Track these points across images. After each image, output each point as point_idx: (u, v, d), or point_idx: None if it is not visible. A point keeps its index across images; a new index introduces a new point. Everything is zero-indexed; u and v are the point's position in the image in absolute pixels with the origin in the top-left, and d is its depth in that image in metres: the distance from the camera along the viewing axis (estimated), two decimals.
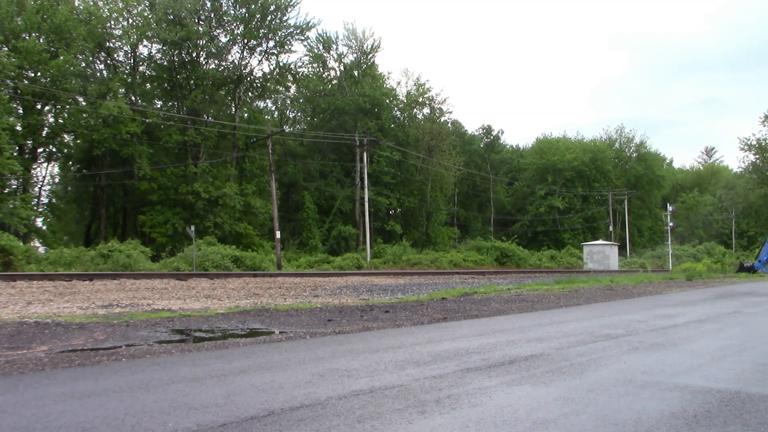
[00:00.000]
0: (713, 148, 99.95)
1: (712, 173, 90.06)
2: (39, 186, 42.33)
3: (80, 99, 38.72)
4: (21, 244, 28.15)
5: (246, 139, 44.73)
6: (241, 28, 44.52)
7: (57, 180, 47.55)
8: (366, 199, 42.26)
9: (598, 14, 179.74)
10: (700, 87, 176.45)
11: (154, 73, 45.11)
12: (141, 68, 45.22)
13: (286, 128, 55.09)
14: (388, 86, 56.68)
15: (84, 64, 40.80)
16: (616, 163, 75.45)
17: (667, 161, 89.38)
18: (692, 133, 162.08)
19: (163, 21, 41.04)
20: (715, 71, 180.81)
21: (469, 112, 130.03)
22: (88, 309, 10.29)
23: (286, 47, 46.78)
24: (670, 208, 51.28)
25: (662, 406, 3.82)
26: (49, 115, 39.77)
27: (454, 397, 3.98)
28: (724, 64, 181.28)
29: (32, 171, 39.78)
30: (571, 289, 16.27)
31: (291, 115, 59.72)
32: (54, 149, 42.24)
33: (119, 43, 43.14)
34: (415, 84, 59.30)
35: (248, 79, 46.71)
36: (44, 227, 43.58)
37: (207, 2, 43.67)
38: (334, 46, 54.52)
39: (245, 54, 45.87)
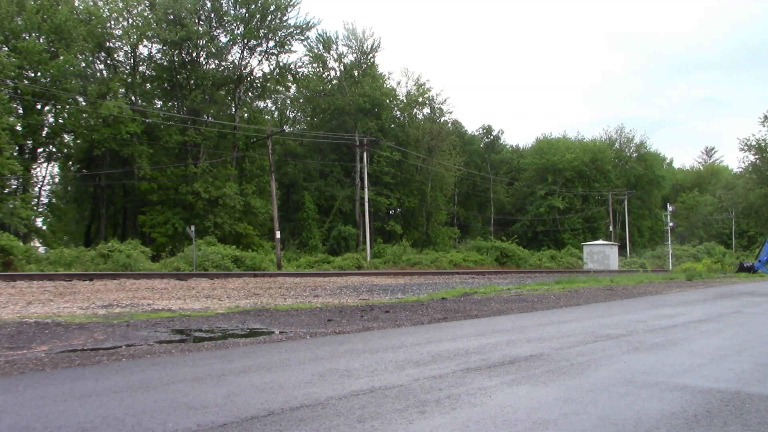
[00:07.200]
0: (713, 148, 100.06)
1: (712, 173, 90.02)
2: (39, 186, 42.36)
3: (80, 99, 38.71)
4: (21, 244, 28.14)
5: (246, 139, 44.71)
6: (241, 28, 44.49)
7: (57, 180, 47.60)
8: (366, 199, 42.26)
9: (597, 14, 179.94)
10: (698, 86, 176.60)
11: (154, 73, 45.09)
12: (141, 68, 45.20)
13: (286, 128, 55.07)
14: (388, 86, 56.64)
15: (84, 64, 40.77)
16: (616, 163, 75.42)
17: (667, 161, 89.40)
18: (690, 132, 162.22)
19: (163, 21, 41.01)
20: (713, 70, 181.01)
21: (469, 112, 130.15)
22: (88, 309, 10.29)
23: (286, 47, 46.77)
24: (670, 208, 51.26)
25: (662, 406, 3.82)
26: (49, 115, 39.75)
27: (454, 397, 3.98)
28: (722, 63, 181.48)
29: (32, 171, 39.77)
30: (571, 289, 16.27)
31: (291, 115, 59.74)
32: (54, 149, 42.24)
33: (119, 43, 43.13)
34: (415, 84, 59.31)
35: (248, 79, 46.69)
36: (44, 227, 43.53)
37: (207, 2, 43.64)
38: (334, 46, 54.56)
39: (245, 54, 45.88)
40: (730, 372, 4.98)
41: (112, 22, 42.04)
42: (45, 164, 43.62)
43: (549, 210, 67.12)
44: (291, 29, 46.41)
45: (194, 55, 43.33)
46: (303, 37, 48.51)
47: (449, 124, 64.44)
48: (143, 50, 44.32)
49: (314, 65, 55.09)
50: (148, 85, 45.53)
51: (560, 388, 4.26)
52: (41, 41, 36.22)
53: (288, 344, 6.36)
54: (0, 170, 31.86)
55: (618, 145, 77.71)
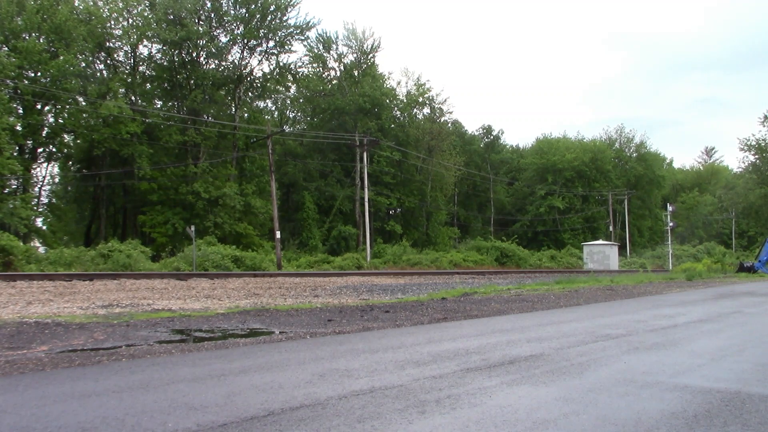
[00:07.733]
0: (713, 148, 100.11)
1: (712, 173, 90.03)
2: (39, 186, 42.34)
3: (80, 99, 38.70)
4: (21, 244, 28.14)
5: (246, 139, 44.72)
6: (241, 28, 44.50)
7: (57, 180, 47.59)
8: (366, 199, 42.25)
9: (597, 14, 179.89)
10: (698, 86, 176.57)
11: (154, 73, 45.09)
12: (141, 68, 45.19)
13: (286, 128, 55.07)
14: (388, 86, 56.64)
15: (84, 64, 40.74)
16: (616, 163, 75.42)
17: (667, 161, 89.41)
18: (690, 132, 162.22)
19: (163, 21, 41.02)
20: (713, 70, 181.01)
21: (469, 112, 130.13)
22: (88, 309, 10.29)
23: (286, 47, 46.78)
24: (670, 208, 51.26)
25: (662, 406, 3.82)
26: (49, 115, 39.74)
27: (454, 397, 3.98)
28: (722, 63, 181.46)
29: (32, 171, 39.76)
30: (571, 289, 16.27)
31: (291, 115, 59.74)
32: (54, 149, 42.22)
33: (119, 43, 43.13)
34: (415, 84, 59.29)
35: (248, 79, 46.69)
36: (44, 227, 43.54)
37: (207, 2, 43.64)
38: (334, 46, 54.57)
39: (245, 54, 45.89)
40: (730, 372, 4.98)
41: (112, 22, 42.05)
42: (45, 164, 43.68)
43: (549, 210, 67.12)
44: (291, 29, 46.44)
45: (194, 55, 43.33)
46: (303, 37, 48.59)
47: (449, 124, 64.42)
48: (143, 50, 44.40)
49: (314, 65, 55.13)
50: (148, 85, 45.53)
51: (560, 388, 4.26)
52: (41, 41, 36.21)
53: (288, 344, 6.36)
54: (0, 170, 31.86)
55: (618, 145, 77.72)
